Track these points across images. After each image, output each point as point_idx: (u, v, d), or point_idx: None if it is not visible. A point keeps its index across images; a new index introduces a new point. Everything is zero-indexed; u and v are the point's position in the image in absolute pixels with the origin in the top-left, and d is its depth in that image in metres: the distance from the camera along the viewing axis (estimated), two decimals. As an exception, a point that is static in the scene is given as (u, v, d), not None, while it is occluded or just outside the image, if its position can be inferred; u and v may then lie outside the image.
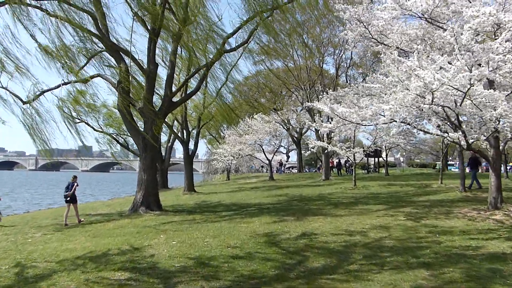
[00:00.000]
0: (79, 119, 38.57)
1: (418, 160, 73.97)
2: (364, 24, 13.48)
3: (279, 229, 11.22)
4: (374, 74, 13.08)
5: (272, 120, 38.22)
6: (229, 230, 11.32)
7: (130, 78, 19.48)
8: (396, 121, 9.88)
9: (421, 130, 11.46)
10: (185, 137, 30.33)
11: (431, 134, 11.43)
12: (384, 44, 13.48)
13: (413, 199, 17.54)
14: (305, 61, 35.54)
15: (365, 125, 12.52)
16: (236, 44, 17.77)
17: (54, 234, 12.60)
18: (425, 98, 9.11)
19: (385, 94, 11.20)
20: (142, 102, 17.46)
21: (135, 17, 16.30)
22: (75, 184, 16.13)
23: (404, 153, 51.64)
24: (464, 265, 6.79)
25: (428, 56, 9.12)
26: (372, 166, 48.73)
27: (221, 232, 11.04)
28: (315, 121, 36.26)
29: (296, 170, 68.60)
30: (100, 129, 38.58)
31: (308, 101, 35.10)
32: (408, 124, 11.41)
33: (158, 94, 25.91)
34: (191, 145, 32.82)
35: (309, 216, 13.66)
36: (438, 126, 12.92)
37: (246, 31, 18.02)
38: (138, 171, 17.77)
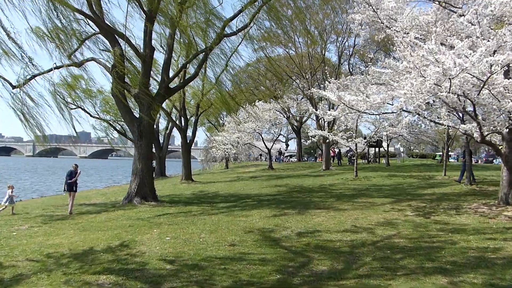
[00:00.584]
0: (75, 105, 37.98)
1: (417, 151, 73.40)
2: (373, 7, 12.69)
3: (279, 224, 10.57)
4: (380, 61, 12.40)
5: (272, 108, 37.44)
6: (227, 224, 10.67)
7: (126, 63, 18.77)
8: (407, 111, 9.15)
9: (432, 121, 10.74)
10: (183, 124, 29.57)
11: (443, 125, 10.71)
12: (393, 30, 12.71)
13: (418, 191, 16.90)
14: (307, 49, 34.69)
15: (372, 114, 11.79)
16: (237, 28, 16.92)
17: (41, 226, 11.93)
18: (440, 86, 8.39)
19: (396, 82, 10.47)
20: (138, 88, 16.75)
21: (130, -1, 15.46)
22: (78, 172, 15.69)
23: (404, 144, 50.99)
24: (486, 271, 6.14)
25: (445, 42, 8.36)
26: (371, 156, 48.11)
27: (218, 227, 10.38)
28: (317, 109, 35.66)
29: (296, 159, 68.10)
30: (97, 115, 38.05)
31: (309, 89, 34.40)
32: (418, 114, 10.71)
33: (155, 80, 25.14)
34: (190, 133, 32.15)
35: (311, 209, 13.02)
36: (448, 115, 12.25)
37: (248, 14, 17.19)
38: (133, 159, 17.08)
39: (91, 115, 37.49)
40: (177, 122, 31.78)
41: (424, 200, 14.05)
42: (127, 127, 20.35)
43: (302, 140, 51.72)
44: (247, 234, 9.37)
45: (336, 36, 33.92)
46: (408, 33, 9.77)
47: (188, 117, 33.83)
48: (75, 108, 38.09)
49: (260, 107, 36.30)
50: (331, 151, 38.95)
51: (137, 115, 17.10)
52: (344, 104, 10.69)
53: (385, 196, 15.77)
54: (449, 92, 7.79)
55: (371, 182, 22.12)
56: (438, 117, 11.75)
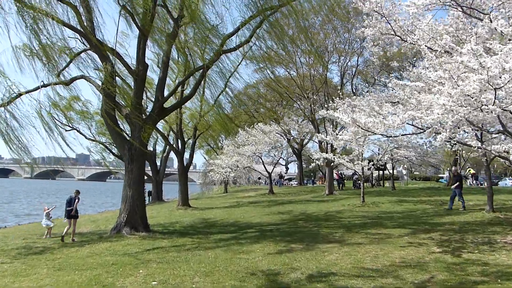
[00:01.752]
0: (70, 127, 36.74)
1: (418, 173, 71.86)
2: (386, 18, 11.49)
3: (287, 263, 9.08)
4: (406, 71, 11.14)
5: (272, 131, 36.12)
6: (225, 264, 9.18)
7: (119, 81, 17.56)
8: (437, 129, 7.78)
9: (459, 142, 9.38)
10: (180, 147, 28.18)
11: (471, 146, 9.34)
12: (410, 42, 11.49)
13: (435, 220, 15.42)
14: (308, 69, 33.64)
15: (389, 136, 10.43)
16: (237, 44, 15.71)
17: (13, 263, 10.43)
18: (473, 97, 7.05)
19: (415, 99, 9.14)
20: (130, 108, 15.46)
21: (122, 11, 14.29)
22: (78, 199, 15.33)
23: (406, 166, 49.55)
24: None
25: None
26: (375, 180, 46.63)
27: (215, 267, 8.88)
28: (319, 131, 34.35)
29: (296, 183, 66.50)
30: (92, 138, 36.75)
31: (311, 111, 33.20)
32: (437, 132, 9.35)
33: (151, 101, 23.91)
34: (187, 156, 30.82)
35: (321, 243, 11.53)
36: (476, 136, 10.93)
37: (248, 29, 16.03)
38: (123, 185, 15.63)
39: (86, 137, 36.44)
40: (174, 144, 30.44)
41: (445, 231, 12.56)
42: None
43: (304, 163, 50.45)
44: (249, 277, 7.89)
45: (338, 55, 32.88)
46: (435, 40, 8.51)
47: (185, 139, 32.55)
48: (70, 130, 37.08)
49: (260, 130, 34.97)
50: (335, 174, 37.50)
51: (128, 137, 15.75)
52: (358, 126, 9.35)
53: (400, 226, 14.26)
54: (493, 105, 6.46)
55: (380, 208, 20.63)
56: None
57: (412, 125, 9.91)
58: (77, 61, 17.53)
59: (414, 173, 69.86)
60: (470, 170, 46.35)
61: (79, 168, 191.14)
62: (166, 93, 17.32)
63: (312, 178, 75.95)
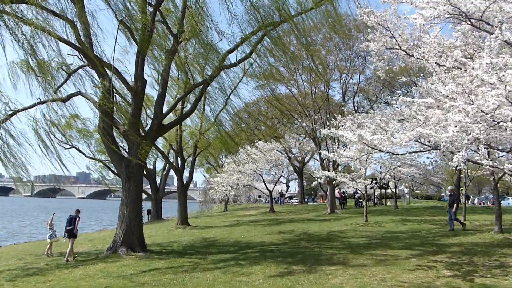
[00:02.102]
0: (69, 145, 36.41)
1: (419, 191, 71.21)
2: (391, 32, 11.21)
3: (289, 287, 8.60)
4: (415, 87, 10.79)
5: (274, 148, 35.74)
6: (224, 287, 8.71)
7: (117, 98, 17.30)
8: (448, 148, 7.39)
9: (469, 160, 8.97)
10: (179, 165, 27.78)
11: (482, 165, 8.94)
12: (417, 58, 11.18)
13: (442, 241, 14.93)
14: (309, 86, 33.46)
15: (396, 154, 10.03)
16: (237, 60, 15.43)
17: (3, 286, 9.95)
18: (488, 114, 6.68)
19: (422, 116, 8.78)
20: (127, 124, 15.16)
21: (120, 26, 14.07)
22: (78, 218, 15.17)
23: (407, 185, 48.97)
24: None
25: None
26: (377, 198, 46.06)
27: (213, 291, 8.43)
28: (321, 149, 33.96)
29: (297, 201, 65.80)
30: (91, 156, 36.38)
31: (313, 129, 32.88)
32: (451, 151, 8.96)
33: (150, 118, 23.61)
34: (187, 174, 30.38)
35: (324, 265, 11.04)
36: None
37: (249, 45, 15.80)
38: (120, 204, 15.19)
39: (85, 155, 36.07)
40: (174, 162, 30.04)
41: (454, 253, 12.07)
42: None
43: (305, 181, 49.81)
44: (249, 303, 7.42)
45: (340, 73, 32.73)
46: (443, 54, 8.20)
47: (185, 157, 32.16)
48: (69, 148, 36.71)
49: (261, 148, 34.60)
50: (337, 193, 36.97)
51: (126, 154, 15.39)
52: (365, 144, 8.97)
53: (406, 247, 13.76)
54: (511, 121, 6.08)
55: (384, 228, 20.12)
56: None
57: (420, 142, 9.54)
58: (75, 78, 17.28)
59: (415, 191, 69.24)
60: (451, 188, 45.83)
61: (79, 186, 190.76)
62: (165, 109, 17.00)
63: (312, 197, 75.28)
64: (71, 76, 16.80)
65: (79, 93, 16.11)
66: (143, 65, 14.99)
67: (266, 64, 16.98)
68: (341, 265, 10.95)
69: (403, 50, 11.30)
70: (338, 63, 32.13)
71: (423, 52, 9.19)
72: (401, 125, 10.23)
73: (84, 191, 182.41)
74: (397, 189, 61.23)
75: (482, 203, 54.72)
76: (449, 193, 19.26)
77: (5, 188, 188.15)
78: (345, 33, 30.96)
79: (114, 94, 17.30)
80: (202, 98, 24.44)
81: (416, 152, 10.27)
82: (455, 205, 17.83)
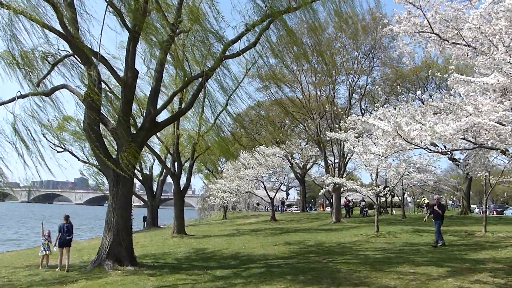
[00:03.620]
0: (62, 148, 34.55)
1: (418, 200, 69.41)
2: (423, 11, 9.51)
3: (308, 317, 6.84)
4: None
5: (275, 154, 33.95)
6: (226, 317, 6.95)
7: (109, 96, 15.60)
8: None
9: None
10: (176, 170, 25.97)
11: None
12: (452, 42, 9.48)
13: (471, 255, 13.18)
14: (314, 88, 31.83)
15: (438, 152, 8.22)
16: (241, 49, 13.69)
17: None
18: None
19: (472, 104, 7.08)
20: (117, 121, 13.45)
21: (109, 7, 12.37)
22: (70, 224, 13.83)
23: (409, 193, 47.20)
24: None
25: None
26: (381, 207, 44.29)
27: (212, 322, 6.65)
28: (326, 154, 32.22)
29: (298, 209, 63.91)
30: (85, 160, 34.52)
31: (318, 133, 31.17)
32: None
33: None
34: (184, 180, 28.46)
35: (344, 286, 9.28)
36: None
37: (253, 35, 14.11)
38: (107, 210, 13.41)
39: (79, 159, 34.23)
40: (171, 167, 28.23)
41: (495, 272, 10.31)
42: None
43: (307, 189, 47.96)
44: None
45: (346, 74, 31.08)
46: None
47: (182, 162, 30.41)
48: (62, 151, 34.83)
49: (262, 153, 32.83)
50: (344, 201, 35.19)
51: (115, 155, 13.64)
52: (399, 136, 7.24)
53: (433, 262, 11.98)
54: None
55: (399, 239, 18.34)
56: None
57: (464, 139, 7.82)
58: (61, 71, 15.59)
59: (416, 201, 67.44)
60: (424, 199, 44.23)
61: (76, 192, 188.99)
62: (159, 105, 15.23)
63: (310, 205, 73.19)
64: (57, 68, 15.13)
65: (63, 86, 14.37)
66: (135, 53, 13.27)
67: (271, 55, 15.30)
68: (365, 286, 9.18)
69: (435, 34, 9.57)
70: (345, 64, 30.52)
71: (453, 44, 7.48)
72: (437, 118, 8.51)
73: (81, 197, 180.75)
74: (399, 198, 59.49)
75: (482, 213, 53.16)
76: (436, 204, 16.62)
77: (1, 194, 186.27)
78: (353, 33, 29.51)
79: (104, 88, 15.66)
80: (202, 98, 22.84)
81: (463, 150, 8.51)
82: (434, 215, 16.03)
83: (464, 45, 8.93)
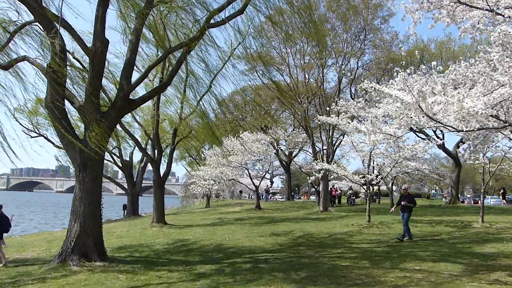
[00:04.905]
0: (36, 133, 32.53)
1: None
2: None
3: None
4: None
5: (261, 139, 32.53)
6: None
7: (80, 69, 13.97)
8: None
9: None
10: (156, 155, 24.37)
11: None
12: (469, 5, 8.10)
13: (476, 249, 12.04)
14: (302, 71, 30.41)
15: (462, 131, 6.88)
16: (227, 16, 12.12)
17: None
18: None
19: (506, 73, 5.74)
20: (85, 97, 11.85)
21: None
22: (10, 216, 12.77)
23: (394, 181, 46.40)
24: None
25: None
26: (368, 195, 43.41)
27: None
28: (313, 140, 30.93)
29: (281, 198, 62.84)
30: (60, 145, 32.58)
31: (305, 117, 29.86)
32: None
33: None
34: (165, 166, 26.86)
35: (344, 285, 7.98)
36: None
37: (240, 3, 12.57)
38: (73, 198, 11.84)
39: (54, 145, 32.31)
40: (151, 153, 26.61)
41: (509, 268, 9.13)
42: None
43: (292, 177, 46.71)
44: None
45: (336, 56, 29.67)
46: None
47: (164, 148, 28.83)
48: (36, 137, 32.80)
49: (247, 139, 31.38)
50: (332, 189, 34.04)
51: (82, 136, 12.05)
52: (421, 110, 5.89)
53: (439, 257, 10.77)
54: None
55: (393, 230, 17.19)
56: None
57: (493, 116, 6.50)
58: (32, 46, 13.82)
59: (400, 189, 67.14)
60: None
61: (57, 180, 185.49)
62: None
63: (293, 193, 72.12)
64: (25, 43, 13.43)
65: (24, 58, 12.65)
66: (104, 19, 11.59)
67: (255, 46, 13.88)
68: (368, 287, 7.89)
69: (461, 3, 8.11)
70: (335, 46, 29.11)
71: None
72: (458, 91, 7.15)
73: (62, 185, 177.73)
74: (384, 187, 58.77)
75: (463, 202, 53.28)
76: (403, 194, 15.25)
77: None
78: (344, 12, 28.14)
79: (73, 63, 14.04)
80: (184, 78, 21.24)
81: (495, 129, 7.15)
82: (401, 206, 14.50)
83: (486, 9, 7.60)
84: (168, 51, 12.32)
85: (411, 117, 6.44)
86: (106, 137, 11.67)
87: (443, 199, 74.17)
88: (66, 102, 12.29)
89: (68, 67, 12.65)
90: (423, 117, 6.30)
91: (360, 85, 8.64)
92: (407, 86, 6.51)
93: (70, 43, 14.21)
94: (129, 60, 12.48)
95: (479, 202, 51.73)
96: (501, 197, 47.68)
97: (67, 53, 12.29)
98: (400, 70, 8.42)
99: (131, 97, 13.11)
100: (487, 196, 67.42)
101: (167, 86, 14.03)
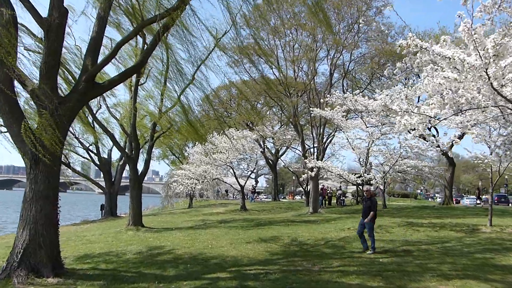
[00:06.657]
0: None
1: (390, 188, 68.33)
2: None
3: None
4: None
5: (246, 136, 30.66)
6: None
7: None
8: None
9: None
10: (133, 151, 22.27)
11: None
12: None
13: (501, 260, 10.41)
14: (292, 65, 28.64)
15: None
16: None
17: None
18: None
19: None
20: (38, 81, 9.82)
21: None
22: None
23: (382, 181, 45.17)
24: None
25: None
26: (353, 196, 41.97)
27: None
28: (303, 137, 29.18)
29: (268, 197, 61.16)
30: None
31: (295, 113, 28.13)
32: None
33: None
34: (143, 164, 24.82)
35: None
36: None
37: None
38: (23, 200, 9.79)
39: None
40: (127, 149, 24.48)
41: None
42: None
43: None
44: None
45: (328, 49, 28.00)
46: None
47: (144, 144, 26.77)
48: (5, 132, 30.30)
49: (232, 135, 29.46)
50: (323, 190, 32.33)
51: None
52: (485, 80, 4.09)
53: (463, 273, 9.03)
54: None
55: (395, 236, 15.47)
56: None
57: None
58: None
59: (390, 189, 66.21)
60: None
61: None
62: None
63: (278, 193, 70.44)
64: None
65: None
66: (62, -16, 9.59)
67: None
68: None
69: None
70: (327, 37, 27.40)
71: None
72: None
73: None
74: (372, 188, 57.00)
75: (459, 202, 52.77)
76: (366, 196, 13.09)
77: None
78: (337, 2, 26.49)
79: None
80: (165, 68, 19.31)
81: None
82: (371, 213, 12.26)
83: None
84: (141, 25, 10.33)
85: (468, 91, 4.61)
86: (63, 127, 9.66)
87: (431, 200, 73.49)
88: (18, 85, 10.27)
89: (21, 44, 10.64)
90: (481, 91, 4.46)
91: (400, 42, 6.73)
92: (473, 40, 4.69)
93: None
94: (95, 38, 10.44)
95: (460, 202, 51.56)
96: (476, 197, 47.54)
97: (18, 25, 10.24)
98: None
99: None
100: (465, 195, 67.36)
101: (141, 67, 12.03)
